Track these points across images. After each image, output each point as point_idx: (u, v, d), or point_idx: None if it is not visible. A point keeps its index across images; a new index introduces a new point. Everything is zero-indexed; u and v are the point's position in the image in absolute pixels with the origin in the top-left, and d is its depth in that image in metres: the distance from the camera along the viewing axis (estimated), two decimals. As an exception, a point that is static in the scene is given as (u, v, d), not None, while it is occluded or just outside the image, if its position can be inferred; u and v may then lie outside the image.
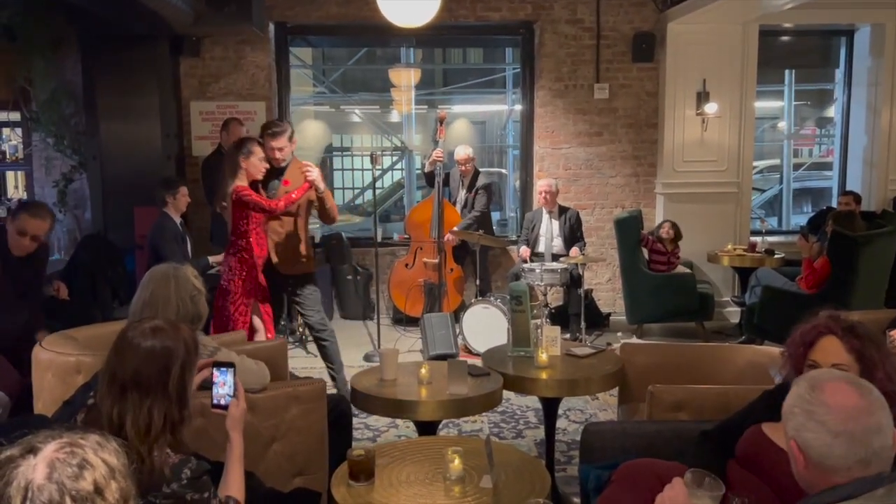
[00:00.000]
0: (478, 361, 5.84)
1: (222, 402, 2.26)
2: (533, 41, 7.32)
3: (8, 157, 6.99)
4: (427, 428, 3.14)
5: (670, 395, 2.84)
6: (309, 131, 13.66)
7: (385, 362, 3.22)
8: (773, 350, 3.35)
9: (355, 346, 6.45)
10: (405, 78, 8.87)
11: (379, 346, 6.13)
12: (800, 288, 5.77)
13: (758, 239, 6.91)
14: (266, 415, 2.88)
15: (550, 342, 3.55)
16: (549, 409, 3.52)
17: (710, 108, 7.02)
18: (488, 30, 7.58)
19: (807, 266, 5.69)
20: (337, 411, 3.31)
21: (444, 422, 3.81)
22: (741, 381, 3.31)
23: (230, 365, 2.29)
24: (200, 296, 2.91)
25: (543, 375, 3.32)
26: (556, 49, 7.18)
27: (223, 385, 2.26)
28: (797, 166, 10.33)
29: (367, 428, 4.44)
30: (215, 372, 2.26)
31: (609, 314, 7.11)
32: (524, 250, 6.61)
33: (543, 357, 3.40)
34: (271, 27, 7.07)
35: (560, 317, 6.78)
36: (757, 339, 6.00)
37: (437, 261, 6.54)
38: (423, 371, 3.17)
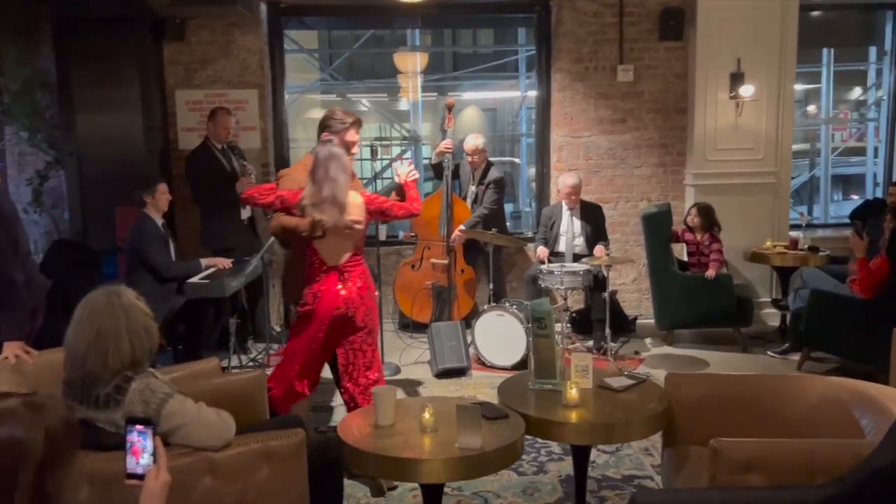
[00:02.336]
0: (491, 374, 5.37)
1: (139, 470, 1.73)
2: (549, 19, 6.67)
3: (-20, 152, 6.44)
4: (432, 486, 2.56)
5: (739, 452, 2.24)
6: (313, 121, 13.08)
7: (380, 405, 2.63)
8: (855, 383, 2.74)
9: (357, 357, 5.87)
10: (411, 63, 8.26)
11: (382, 356, 5.54)
12: (853, 291, 5.14)
13: (799, 234, 6.27)
14: (230, 477, 2.31)
15: (581, 372, 2.96)
16: (580, 453, 2.92)
17: (746, 90, 6.37)
18: (500, 8, 6.95)
19: (861, 267, 5.05)
20: (324, 459, 2.74)
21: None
22: (814, 421, 2.72)
23: (147, 422, 1.76)
24: (151, 320, 2.36)
25: (573, 417, 2.73)
26: (576, 27, 6.53)
27: (140, 451, 1.72)
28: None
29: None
30: (129, 432, 1.75)
31: (636, 318, 6.50)
32: (541, 251, 6.00)
33: (573, 392, 2.80)
34: (263, 8, 6.46)
35: (582, 322, 6.20)
36: (804, 348, 5.40)
37: (446, 261, 5.95)
38: (427, 415, 2.58)
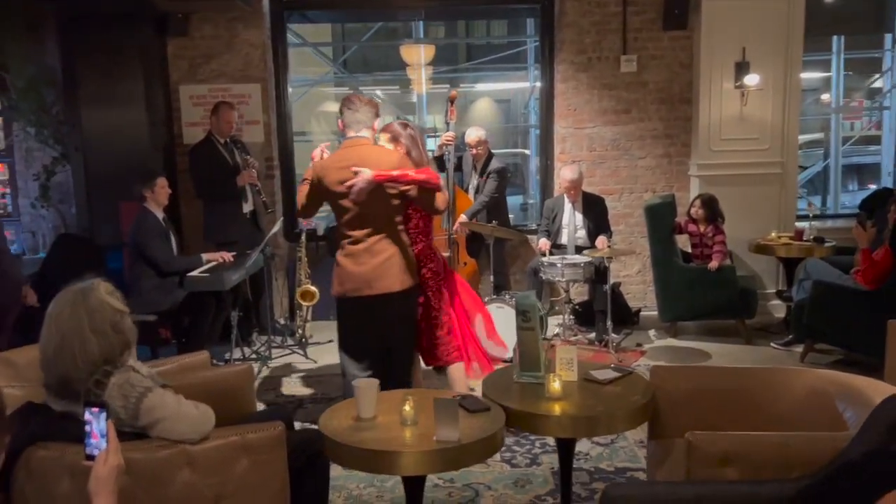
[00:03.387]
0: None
1: (94, 452, 1.80)
2: (552, 9, 6.63)
3: (-11, 148, 6.52)
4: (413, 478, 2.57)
5: (714, 446, 2.23)
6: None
7: (361, 397, 2.65)
8: (842, 376, 2.72)
9: (360, 349, 5.89)
10: (416, 55, 8.23)
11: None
12: (857, 282, 5.08)
13: (805, 225, 6.21)
14: (208, 470, 2.32)
15: (565, 365, 2.95)
16: (565, 448, 2.92)
17: (751, 79, 6.31)
18: (502, -1, 6.94)
19: (865, 258, 5.00)
20: (310, 451, 2.76)
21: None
22: (800, 414, 2.69)
23: (101, 405, 1.82)
24: (124, 318, 2.34)
25: (556, 410, 2.72)
26: (579, 17, 6.49)
27: (95, 434, 1.80)
28: (842, 141, 9.51)
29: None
30: (87, 415, 1.82)
31: (639, 310, 6.47)
32: (543, 243, 5.99)
33: (556, 385, 2.80)
34: (265, 2, 6.47)
35: (585, 314, 6.18)
36: (807, 340, 5.35)
37: (448, 254, 5.94)
38: (408, 407, 2.59)
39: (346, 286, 3.63)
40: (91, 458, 1.78)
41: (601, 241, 5.75)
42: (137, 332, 2.43)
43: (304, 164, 9.00)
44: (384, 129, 3.86)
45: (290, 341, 6.06)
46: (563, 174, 5.95)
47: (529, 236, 6.74)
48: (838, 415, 2.54)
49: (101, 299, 2.27)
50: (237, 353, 5.50)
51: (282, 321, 6.49)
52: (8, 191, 6.55)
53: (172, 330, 5.65)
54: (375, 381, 2.70)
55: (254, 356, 5.62)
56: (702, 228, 5.92)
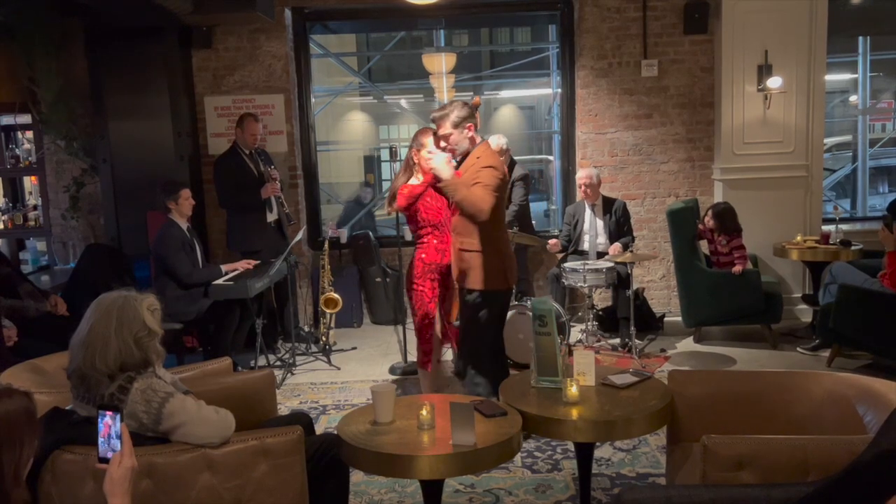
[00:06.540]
0: (513, 372, 5.35)
1: (108, 455, 1.85)
2: (572, 16, 6.64)
3: (22, 161, 6.65)
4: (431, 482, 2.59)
5: (729, 449, 2.23)
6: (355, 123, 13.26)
7: (379, 403, 2.67)
8: (862, 379, 2.69)
9: (382, 355, 5.94)
10: (437, 63, 8.29)
11: (406, 357, 5.62)
12: (883, 286, 5.01)
13: (831, 228, 6.13)
14: (228, 474, 2.37)
15: (583, 370, 2.96)
16: (583, 452, 2.92)
17: (774, 82, 6.26)
18: (522, 6, 6.94)
19: (891, 261, 4.93)
20: (329, 456, 2.79)
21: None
22: (819, 418, 2.68)
23: (115, 409, 1.87)
24: (150, 339, 2.38)
25: (573, 414, 2.73)
26: (598, 23, 6.49)
27: (109, 437, 1.86)
28: (872, 143, 9.38)
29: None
30: (100, 418, 1.87)
31: (664, 315, 6.43)
32: (553, 243, 6.01)
33: (573, 390, 2.80)
34: (287, 13, 6.55)
35: (608, 320, 6.16)
36: (833, 344, 5.28)
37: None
38: (425, 412, 2.61)
39: None
40: (104, 460, 1.82)
41: (614, 248, 5.74)
42: (164, 353, 2.47)
43: (329, 174, 9.06)
44: None
45: (314, 348, 6.11)
46: (578, 173, 5.99)
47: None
48: (858, 418, 2.52)
49: (137, 312, 2.31)
50: (262, 361, 5.56)
51: (306, 328, 6.54)
52: (39, 202, 6.68)
53: (199, 338, 5.75)
54: (393, 386, 2.73)
55: (278, 363, 5.68)
56: (715, 237, 5.85)
